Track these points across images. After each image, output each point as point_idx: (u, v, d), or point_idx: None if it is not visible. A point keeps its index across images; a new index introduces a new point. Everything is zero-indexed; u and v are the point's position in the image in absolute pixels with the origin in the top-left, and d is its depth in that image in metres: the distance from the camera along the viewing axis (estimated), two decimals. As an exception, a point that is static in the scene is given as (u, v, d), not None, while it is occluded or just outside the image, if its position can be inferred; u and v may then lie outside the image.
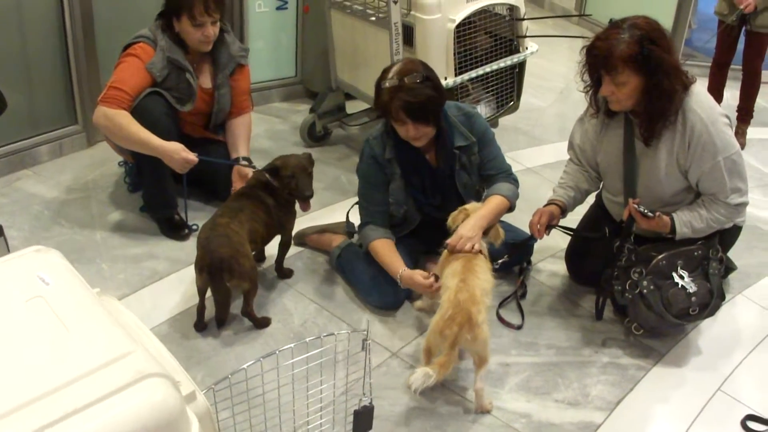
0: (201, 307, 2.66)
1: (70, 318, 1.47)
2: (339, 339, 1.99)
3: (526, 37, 3.50)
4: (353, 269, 2.93)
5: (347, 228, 3.15)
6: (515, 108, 3.91)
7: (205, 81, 3.18)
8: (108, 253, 3.06)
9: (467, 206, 2.72)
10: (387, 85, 2.56)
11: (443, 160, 2.78)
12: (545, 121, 4.77)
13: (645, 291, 2.60)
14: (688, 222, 2.58)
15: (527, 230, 2.86)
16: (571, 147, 2.91)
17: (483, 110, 3.58)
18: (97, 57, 3.63)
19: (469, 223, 2.59)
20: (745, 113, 4.60)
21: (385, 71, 2.63)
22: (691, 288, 2.59)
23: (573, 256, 3.03)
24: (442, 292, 2.48)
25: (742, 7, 4.17)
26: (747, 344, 2.83)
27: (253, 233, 2.72)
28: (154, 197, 3.19)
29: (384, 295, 2.83)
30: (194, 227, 3.23)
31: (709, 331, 2.86)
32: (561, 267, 3.16)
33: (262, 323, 2.72)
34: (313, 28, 4.19)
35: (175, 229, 3.19)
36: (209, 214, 2.83)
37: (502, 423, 2.38)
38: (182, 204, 3.18)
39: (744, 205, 2.59)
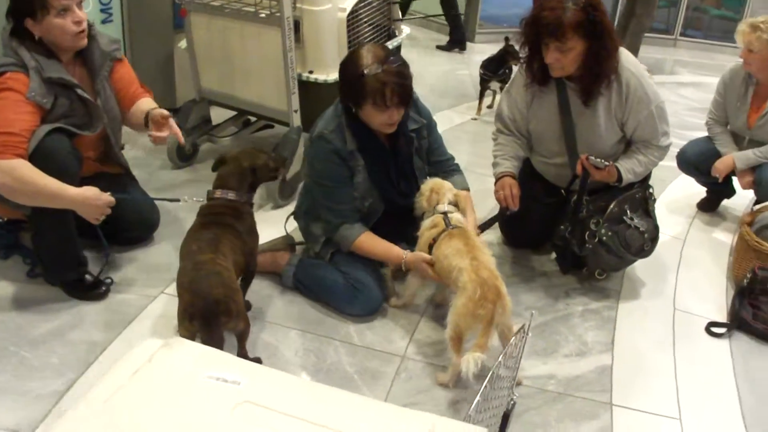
0: None
1: (303, 413, 1.29)
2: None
3: (401, 20, 3.62)
4: (320, 282, 2.80)
5: (288, 242, 3.02)
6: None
7: (87, 92, 2.71)
8: (20, 337, 2.53)
9: (432, 185, 2.74)
10: (373, 71, 2.46)
11: (402, 144, 2.77)
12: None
13: (604, 238, 2.87)
14: (630, 169, 2.87)
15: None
16: (499, 119, 3.05)
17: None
18: None
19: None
20: None
21: (356, 60, 2.52)
22: (642, 226, 2.90)
23: (511, 223, 3.20)
24: (448, 274, 2.51)
25: None
26: (672, 264, 3.28)
27: (237, 265, 2.46)
28: (59, 258, 2.70)
29: (367, 301, 2.75)
30: (108, 281, 2.83)
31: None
32: (493, 237, 3.34)
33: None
34: (143, 40, 3.87)
35: (89, 290, 2.74)
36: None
37: (537, 389, 2.49)
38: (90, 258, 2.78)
39: (670, 145, 2.95)
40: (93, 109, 2.67)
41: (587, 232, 2.89)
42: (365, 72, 2.48)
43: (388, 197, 2.80)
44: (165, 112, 2.74)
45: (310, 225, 2.88)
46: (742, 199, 3.81)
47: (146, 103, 2.88)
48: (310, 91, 3.35)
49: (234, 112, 3.89)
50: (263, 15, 3.13)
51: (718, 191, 3.67)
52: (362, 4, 3.37)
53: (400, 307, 2.84)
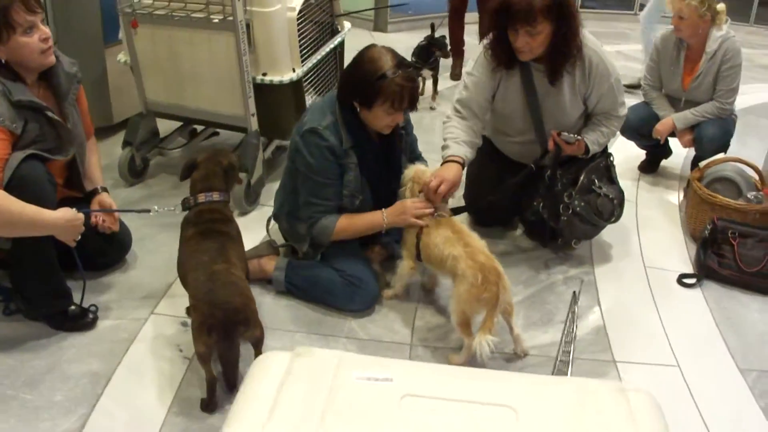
0: (213, 379, 2.29)
1: (464, 395, 1.31)
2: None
3: (343, 15, 3.64)
4: (315, 282, 2.80)
5: (273, 245, 3.01)
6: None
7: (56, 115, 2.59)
8: (14, 378, 2.40)
9: (413, 174, 2.77)
10: (391, 75, 2.50)
11: (393, 143, 2.82)
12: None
13: (578, 209, 3.01)
14: (595, 140, 3.03)
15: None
16: (460, 103, 3.05)
17: (314, 98, 3.63)
18: None
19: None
20: None
21: (375, 60, 2.54)
22: (611, 193, 3.08)
23: (478, 201, 3.30)
24: (440, 262, 2.59)
25: None
26: (631, 226, 3.48)
27: (242, 273, 2.45)
28: (42, 290, 2.57)
29: (366, 296, 2.77)
30: (93, 308, 2.71)
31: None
32: (462, 218, 3.32)
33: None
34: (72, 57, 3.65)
35: (75, 319, 2.62)
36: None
37: (545, 357, 2.60)
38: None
39: (626, 114, 3.16)
40: (64, 132, 2.56)
41: (561, 205, 3.03)
42: (386, 74, 2.51)
43: (379, 194, 2.83)
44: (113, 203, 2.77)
45: (295, 225, 2.86)
46: (676, 157, 4.10)
47: (96, 156, 2.88)
48: (264, 93, 3.32)
49: (179, 123, 3.81)
50: (216, 20, 3.08)
51: (657, 153, 3.92)
52: (308, 2, 3.37)
53: (393, 297, 2.89)
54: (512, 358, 2.63)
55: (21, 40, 2.37)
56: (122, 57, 3.53)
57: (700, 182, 3.35)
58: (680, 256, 3.29)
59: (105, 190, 2.83)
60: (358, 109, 2.64)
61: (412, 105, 2.63)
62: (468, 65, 3.08)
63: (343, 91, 2.67)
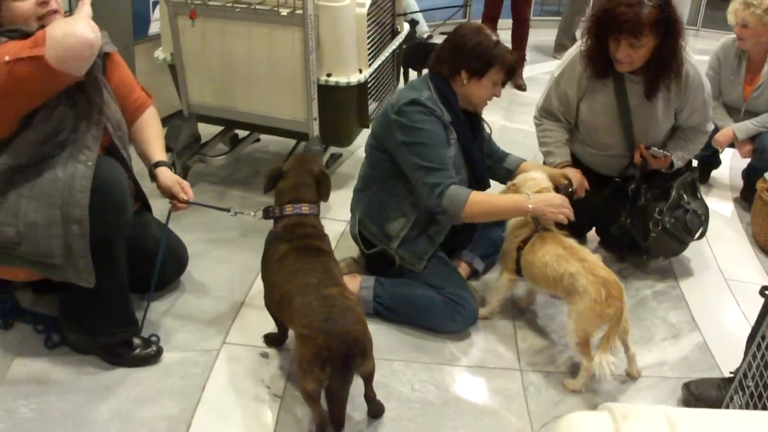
0: (324, 422, 1.81)
1: None
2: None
3: (404, 15, 3.16)
4: (412, 302, 2.32)
5: (355, 261, 2.54)
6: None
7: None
8: (75, 426, 1.84)
9: (535, 179, 2.37)
10: (501, 48, 2.31)
11: (479, 124, 2.50)
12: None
13: (668, 225, 2.65)
14: (681, 156, 2.68)
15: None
16: (545, 111, 2.74)
17: (373, 105, 3.14)
18: None
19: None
20: (520, 59, 4.90)
21: (481, 30, 2.33)
22: (699, 209, 2.72)
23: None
24: (555, 282, 2.19)
25: None
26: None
27: None
28: (107, 316, 2.03)
29: (468, 315, 2.33)
30: (155, 339, 2.19)
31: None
32: None
33: (382, 407, 2.02)
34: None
35: (137, 351, 2.08)
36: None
37: (658, 377, 2.25)
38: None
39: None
40: (84, 112, 1.95)
41: (651, 221, 2.66)
42: (498, 42, 2.33)
43: (473, 175, 2.43)
44: (183, 183, 2.22)
45: (385, 225, 2.40)
46: (722, 168, 3.77)
47: (156, 128, 2.30)
48: (327, 96, 2.81)
49: (217, 128, 3.26)
50: (284, 13, 2.57)
51: (708, 163, 3.59)
52: (375, 1, 2.88)
53: (489, 316, 2.45)
54: (626, 380, 2.23)
55: (12, 4, 1.84)
56: (161, 54, 2.98)
57: (769, 193, 3.01)
58: (756, 268, 2.95)
59: (164, 164, 2.25)
60: (465, 81, 2.30)
61: (510, 78, 2.42)
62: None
63: (450, 62, 2.33)
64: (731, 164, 3.82)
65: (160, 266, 2.25)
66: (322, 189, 2.14)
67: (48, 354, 2.11)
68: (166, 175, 2.23)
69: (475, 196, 2.22)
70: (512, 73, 2.39)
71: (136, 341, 2.11)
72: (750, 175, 3.38)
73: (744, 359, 1.91)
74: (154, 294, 2.29)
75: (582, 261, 2.18)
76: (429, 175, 2.23)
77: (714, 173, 3.70)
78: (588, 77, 2.60)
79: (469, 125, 2.41)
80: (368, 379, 1.93)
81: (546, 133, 2.75)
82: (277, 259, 2.00)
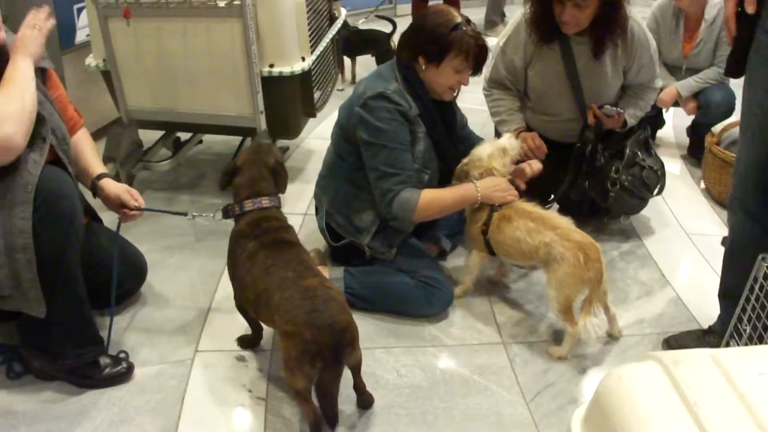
0: (319, 420, 1.73)
1: None
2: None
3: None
4: (385, 289, 2.27)
5: (321, 253, 2.47)
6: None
7: None
8: None
9: (487, 155, 2.31)
10: (464, 26, 2.15)
11: (451, 113, 2.40)
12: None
13: (626, 183, 2.67)
14: (633, 114, 2.71)
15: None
16: (493, 81, 2.72)
17: (317, 93, 3.06)
18: None
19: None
20: None
21: (444, 13, 2.19)
22: (655, 165, 2.75)
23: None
24: (530, 255, 2.17)
25: None
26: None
27: None
28: (70, 337, 1.89)
29: (444, 297, 2.29)
30: (123, 354, 2.07)
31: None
32: None
33: (371, 397, 1.95)
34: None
35: (105, 369, 1.95)
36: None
37: (640, 336, 2.26)
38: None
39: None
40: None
41: (608, 181, 2.68)
42: (459, 25, 2.13)
43: (448, 168, 2.37)
44: (132, 191, 2.11)
45: (353, 218, 2.32)
46: (667, 128, 3.85)
47: (90, 144, 2.17)
48: (271, 88, 2.72)
49: (159, 133, 3.12)
50: (222, 5, 2.46)
51: (653, 124, 3.64)
52: (309, -14, 2.80)
53: (463, 294, 2.41)
54: (608, 341, 2.24)
55: None
56: (93, 61, 2.82)
57: (719, 146, 3.07)
58: (713, 220, 3.02)
59: (107, 175, 2.13)
60: (423, 68, 2.20)
61: (479, 66, 2.23)
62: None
63: (409, 46, 2.22)
64: (674, 123, 3.90)
65: (117, 279, 2.13)
66: (279, 180, 2.05)
67: (11, 385, 1.97)
68: (112, 185, 2.10)
69: (425, 197, 2.18)
70: (478, 60, 2.22)
71: (104, 360, 1.98)
72: (695, 131, 3.46)
73: (722, 310, 1.94)
74: (114, 309, 2.17)
75: (554, 229, 2.15)
76: (383, 179, 2.18)
77: (659, 133, 3.77)
78: (534, 43, 2.59)
79: (441, 115, 2.32)
80: (356, 370, 1.87)
81: (497, 102, 2.74)
82: (247, 257, 1.91)
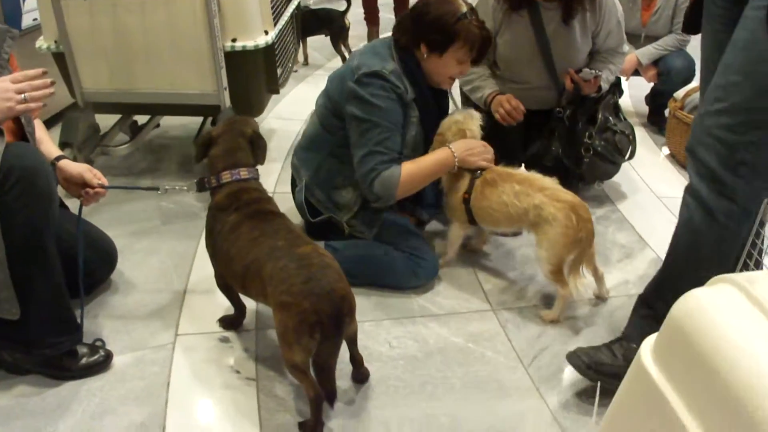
0: (320, 395, 1.65)
1: None
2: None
3: (297, -27, 2.99)
4: (369, 263, 2.21)
5: (305, 228, 2.37)
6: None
7: None
8: None
9: (461, 118, 2.26)
10: (470, 17, 2.08)
11: (444, 101, 2.34)
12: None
13: (599, 148, 2.68)
14: (606, 78, 2.69)
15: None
16: None
17: (279, 70, 2.95)
18: None
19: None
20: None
21: (451, 3, 2.09)
22: (626, 129, 2.76)
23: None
24: (519, 219, 2.13)
25: None
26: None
27: None
28: (47, 326, 1.75)
29: (430, 268, 2.24)
30: (99, 342, 1.94)
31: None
32: None
33: (367, 370, 1.88)
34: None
35: (83, 359, 1.83)
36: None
37: (625, 296, 2.26)
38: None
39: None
40: None
41: (582, 147, 2.67)
42: (466, 15, 2.09)
43: None
44: (94, 170, 1.98)
45: (333, 194, 2.25)
46: (624, 97, 3.85)
47: (41, 133, 2.01)
48: (234, 64, 2.60)
49: (116, 118, 2.97)
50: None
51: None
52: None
53: (446, 265, 2.37)
54: (596, 302, 2.24)
55: None
56: (44, 43, 2.64)
57: (683, 111, 3.12)
58: (681, 183, 2.99)
59: (65, 157, 2.00)
60: (425, 55, 2.13)
61: (482, 56, 2.17)
62: None
63: (410, 33, 2.13)
64: (630, 93, 3.93)
65: (88, 267, 2.00)
66: (258, 151, 1.95)
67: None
68: (72, 164, 1.97)
69: (406, 170, 2.12)
70: (482, 51, 2.16)
71: (82, 350, 1.86)
72: (655, 99, 3.51)
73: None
74: (84, 297, 2.03)
75: (543, 190, 2.11)
76: (368, 157, 2.10)
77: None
78: (502, 10, 2.57)
79: (436, 102, 2.26)
80: (353, 341, 1.80)
81: (467, 73, 2.70)
82: (229, 229, 1.80)
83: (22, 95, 1.60)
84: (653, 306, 1.80)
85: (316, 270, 1.62)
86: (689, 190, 1.64)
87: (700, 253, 1.66)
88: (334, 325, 1.61)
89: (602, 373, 1.78)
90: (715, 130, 1.51)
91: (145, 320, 2.08)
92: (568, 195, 2.11)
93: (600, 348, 1.84)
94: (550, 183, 2.16)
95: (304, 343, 1.60)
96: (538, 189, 2.12)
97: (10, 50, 1.85)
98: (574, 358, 1.83)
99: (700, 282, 0.93)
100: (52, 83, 1.66)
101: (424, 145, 2.25)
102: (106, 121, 2.99)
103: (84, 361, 1.85)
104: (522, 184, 2.15)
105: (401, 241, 2.23)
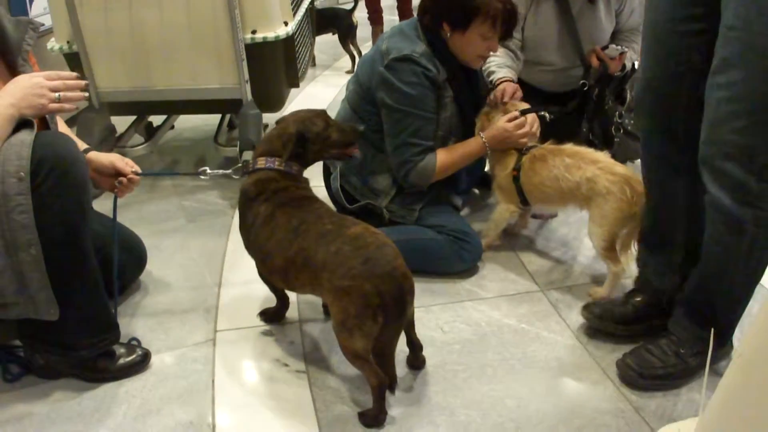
0: (383, 382, 1.53)
1: None
2: None
3: (311, -35, 2.90)
4: (413, 247, 2.04)
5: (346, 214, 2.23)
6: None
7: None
8: None
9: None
10: None
11: (476, 80, 2.26)
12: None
13: (629, 127, 2.59)
14: (629, 57, 2.62)
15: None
16: None
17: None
18: None
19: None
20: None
21: None
22: None
23: None
24: (572, 194, 2.03)
25: None
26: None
27: None
28: (86, 324, 1.63)
29: (475, 250, 2.13)
30: (135, 341, 1.82)
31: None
32: None
33: (424, 357, 1.76)
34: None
35: (120, 360, 1.71)
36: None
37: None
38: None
39: None
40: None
41: (613, 126, 2.58)
42: None
43: (470, 135, 2.21)
44: (126, 159, 1.87)
45: (370, 180, 2.16)
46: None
47: (63, 128, 1.88)
48: (254, 57, 2.50)
49: (131, 120, 2.86)
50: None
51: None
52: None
53: (489, 248, 2.28)
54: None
55: None
56: (55, 44, 2.54)
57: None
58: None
59: (92, 149, 1.86)
60: (449, 34, 2.04)
61: (508, 32, 2.08)
62: None
63: (431, 11, 2.05)
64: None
65: (119, 267, 1.89)
66: (304, 152, 1.77)
67: (9, 389, 1.69)
68: (101, 155, 1.84)
69: (441, 160, 2.10)
70: (508, 25, 2.07)
71: (119, 350, 1.74)
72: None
73: None
74: (118, 296, 1.91)
75: (595, 163, 2.02)
76: (402, 148, 2.06)
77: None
78: None
79: (467, 80, 2.18)
80: (412, 324, 1.69)
81: (488, 60, 2.59)
82: (263, 222, 1.67)
83: (56, 94, 1.51)
84: (697, 307, 1.68)
85: (373, 249, 1.52)
86: (711, 204, 1.51)
87: (735, 266, 1.54)
88: (397, 305, 1.50)
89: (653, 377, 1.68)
90: (729, 136, 1.40)
91: (181, 318, 1.97)
92: (621, 168, 2.01)
93: (650, 349, 1.72)
94: (603, 156, 2.07)
95: (367, 328, 1.49)
96: (590, 162, 2.03)
97: (32, 42, 1.75)
98: (623, 368, 1.71)
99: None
100: (86, 86, 1.58)
101: (462, 125, 2.16)
102: (120, 124, 2.89)
103: (121, 361, 1.73)
104: (573, 158, 2.06)
105: (446, 224, 2.13)
